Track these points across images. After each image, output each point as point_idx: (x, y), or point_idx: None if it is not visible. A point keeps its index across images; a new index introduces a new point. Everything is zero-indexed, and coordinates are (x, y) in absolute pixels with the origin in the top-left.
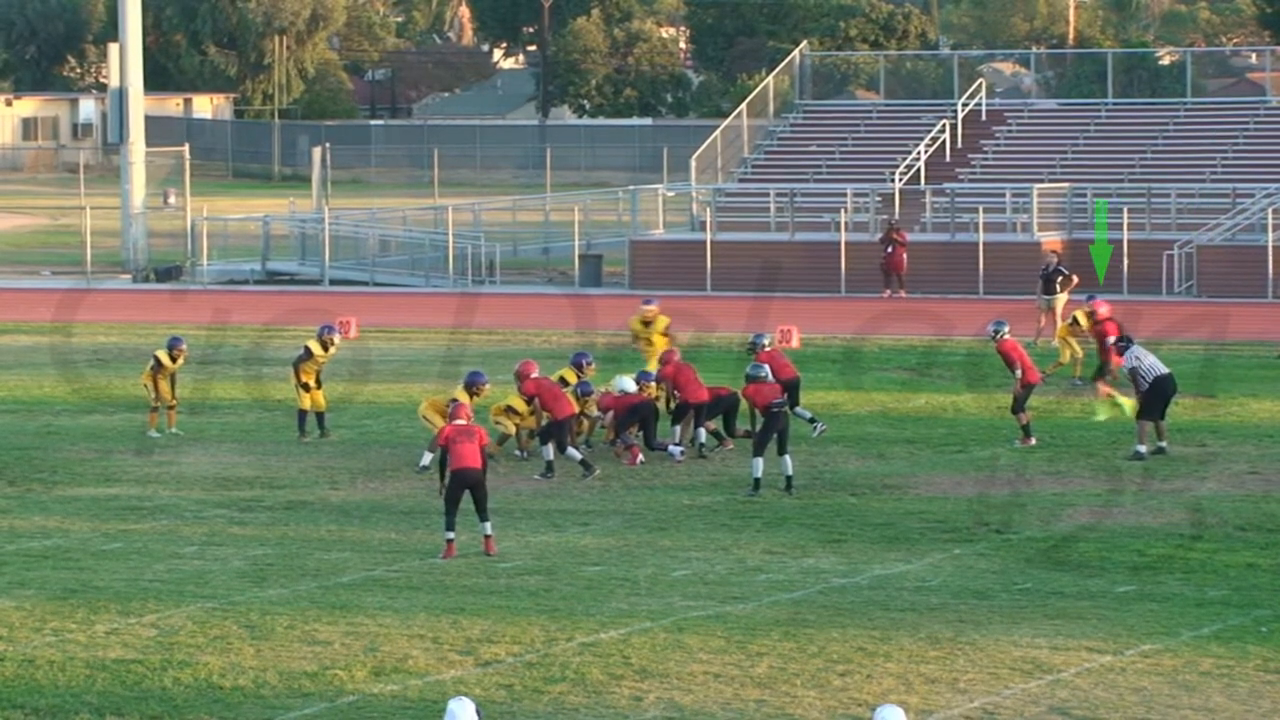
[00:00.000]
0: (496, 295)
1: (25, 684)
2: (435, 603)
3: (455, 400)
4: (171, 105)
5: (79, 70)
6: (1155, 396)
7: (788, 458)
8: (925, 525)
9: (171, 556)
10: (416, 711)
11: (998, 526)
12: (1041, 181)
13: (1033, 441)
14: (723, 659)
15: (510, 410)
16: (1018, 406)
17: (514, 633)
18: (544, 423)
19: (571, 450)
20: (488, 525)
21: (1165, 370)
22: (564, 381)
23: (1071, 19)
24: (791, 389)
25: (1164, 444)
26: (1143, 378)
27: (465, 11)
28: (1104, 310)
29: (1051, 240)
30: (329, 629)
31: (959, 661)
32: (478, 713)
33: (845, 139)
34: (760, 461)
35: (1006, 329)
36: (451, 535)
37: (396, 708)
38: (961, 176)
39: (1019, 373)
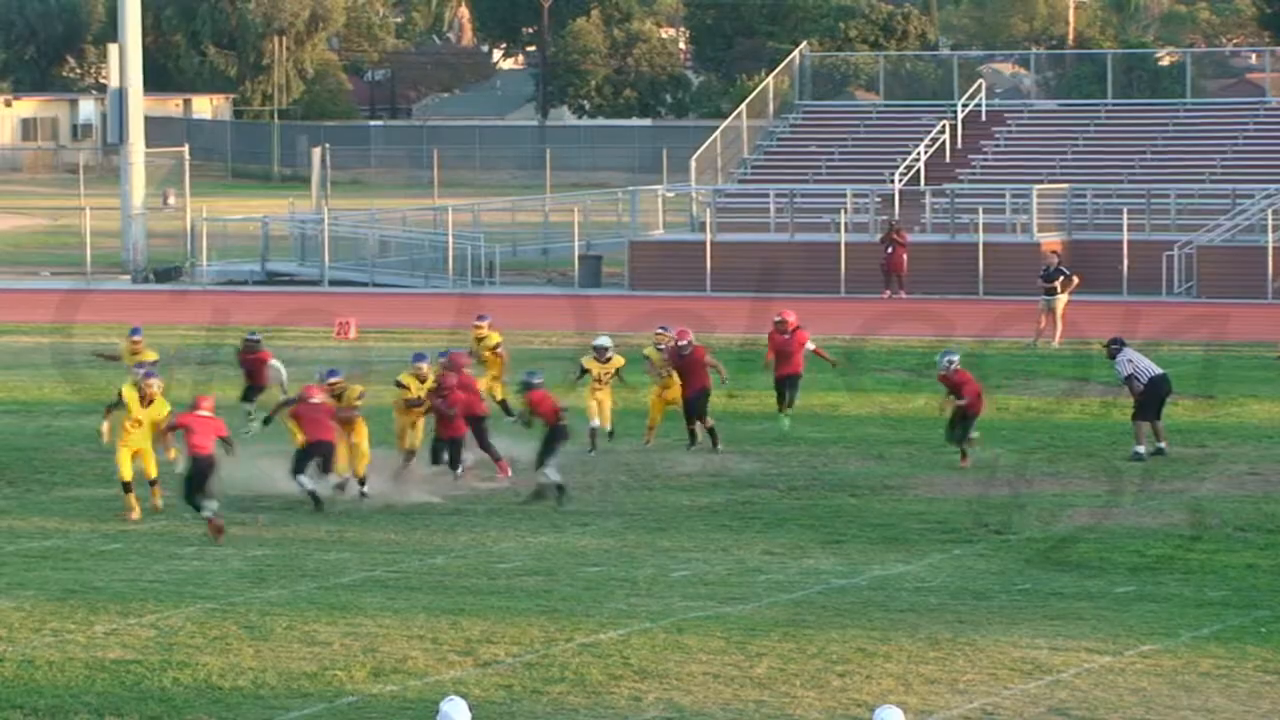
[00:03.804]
0: (496, 296)
1: (25, 684)
2: (435, 603)
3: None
4: (171, 106)
5: (78, 71)
6: (1150, 397)
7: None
8: (925, 526)
9: (171, 557)
10: (416, 712)
11: (997, 527)
12: (1041, 182)
13: (966, 465)
14: (722, 659)
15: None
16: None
17: (513, 633)
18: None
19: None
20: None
21: (1159, 371)
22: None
23: (1071, 19)
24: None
25: (1163, 445)
26: (1138, 380)
27: (465, 12)
28: (793, 318)
29: (1051, 241)
30: (328, 629)
31: (958, 662)
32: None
33: (845, 139)
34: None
35: (957, 359)
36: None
37: (396, 708)
38: (961, 177)
39: (964, 400)
